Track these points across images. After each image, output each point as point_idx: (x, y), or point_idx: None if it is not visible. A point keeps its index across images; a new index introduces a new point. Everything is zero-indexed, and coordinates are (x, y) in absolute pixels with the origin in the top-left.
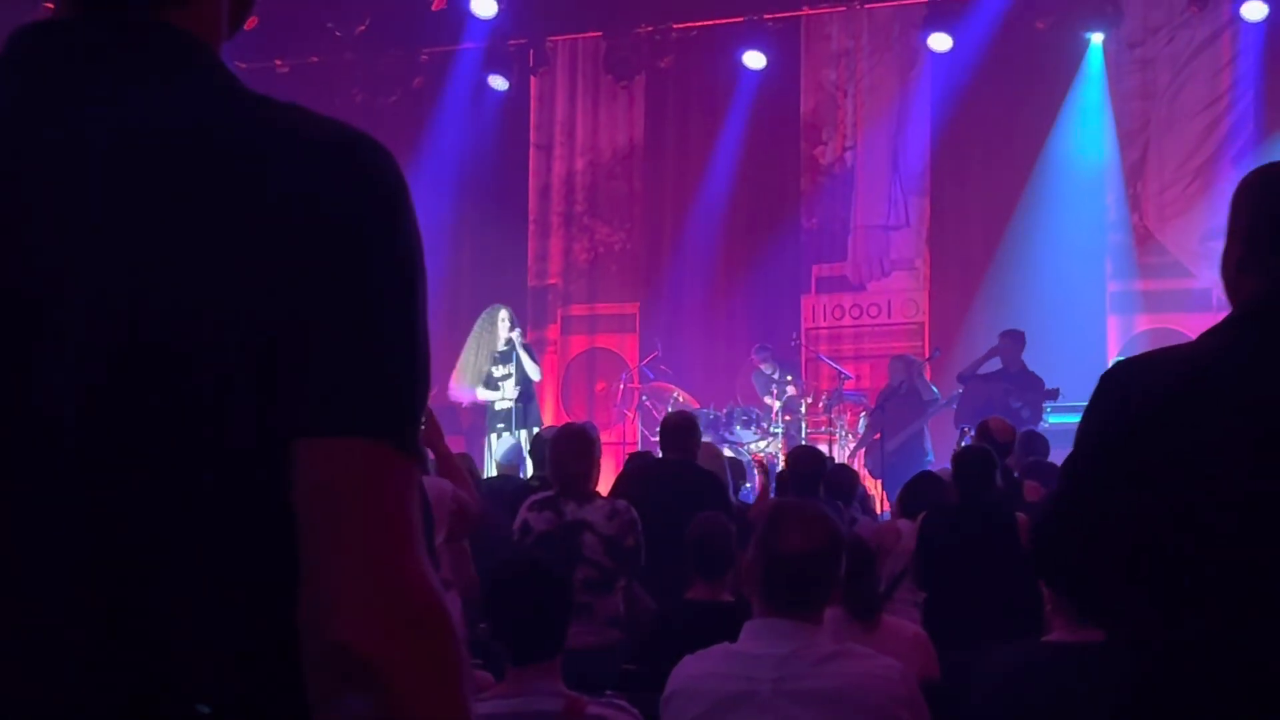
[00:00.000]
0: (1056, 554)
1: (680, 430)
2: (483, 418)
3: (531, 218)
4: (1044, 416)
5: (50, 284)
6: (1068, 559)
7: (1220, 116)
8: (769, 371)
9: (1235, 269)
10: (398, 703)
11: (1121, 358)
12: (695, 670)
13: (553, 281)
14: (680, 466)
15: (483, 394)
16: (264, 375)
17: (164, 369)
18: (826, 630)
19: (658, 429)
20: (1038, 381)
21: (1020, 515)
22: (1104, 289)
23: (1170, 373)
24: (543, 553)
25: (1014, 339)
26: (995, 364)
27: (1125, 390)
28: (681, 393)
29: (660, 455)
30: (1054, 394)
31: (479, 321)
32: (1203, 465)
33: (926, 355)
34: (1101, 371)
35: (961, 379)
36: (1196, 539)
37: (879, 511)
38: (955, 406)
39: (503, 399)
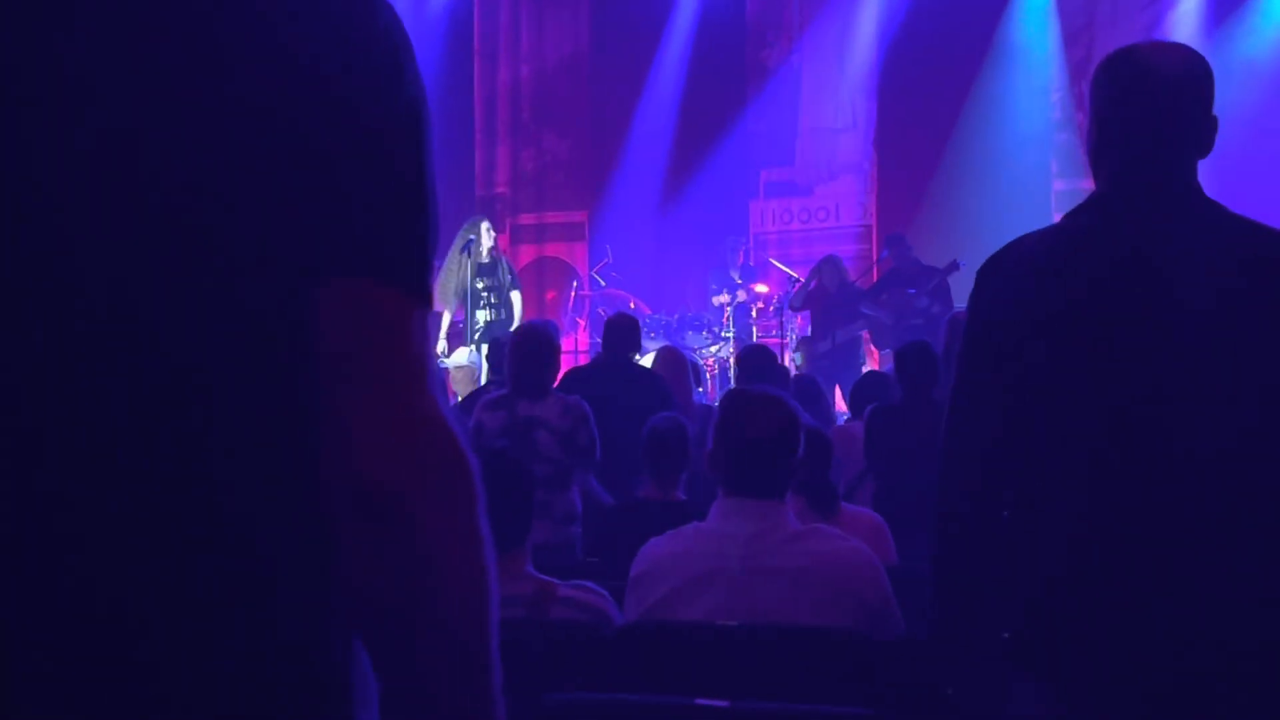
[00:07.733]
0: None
1: (622, 330)
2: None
3: (478, 127)
4: (951, 299)
5: (58, 139)
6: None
7: (1164, 12)
8: (735, 273)
9: (1094, 152)
10: (416, 534)
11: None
12: (664, 550)
13: (500, 191)
14: (624, 365)
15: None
16: (280, 223)
17: (178, 221)
18: (791, 513)
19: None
20: (933, 270)
21: None
22: (1050, 187)
23: (1036, 252)
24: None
25: (894, 243)
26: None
27: (997, 278)
28: (633, 299)
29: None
30: (954, 266)
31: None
32: (1067, 331)
33: (875, 259)
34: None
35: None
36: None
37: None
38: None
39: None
